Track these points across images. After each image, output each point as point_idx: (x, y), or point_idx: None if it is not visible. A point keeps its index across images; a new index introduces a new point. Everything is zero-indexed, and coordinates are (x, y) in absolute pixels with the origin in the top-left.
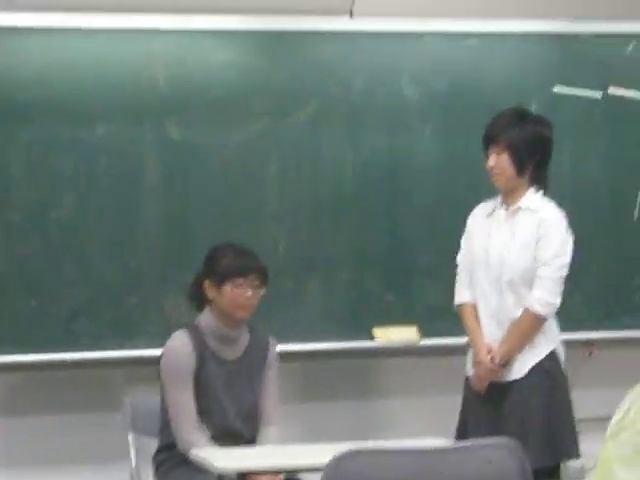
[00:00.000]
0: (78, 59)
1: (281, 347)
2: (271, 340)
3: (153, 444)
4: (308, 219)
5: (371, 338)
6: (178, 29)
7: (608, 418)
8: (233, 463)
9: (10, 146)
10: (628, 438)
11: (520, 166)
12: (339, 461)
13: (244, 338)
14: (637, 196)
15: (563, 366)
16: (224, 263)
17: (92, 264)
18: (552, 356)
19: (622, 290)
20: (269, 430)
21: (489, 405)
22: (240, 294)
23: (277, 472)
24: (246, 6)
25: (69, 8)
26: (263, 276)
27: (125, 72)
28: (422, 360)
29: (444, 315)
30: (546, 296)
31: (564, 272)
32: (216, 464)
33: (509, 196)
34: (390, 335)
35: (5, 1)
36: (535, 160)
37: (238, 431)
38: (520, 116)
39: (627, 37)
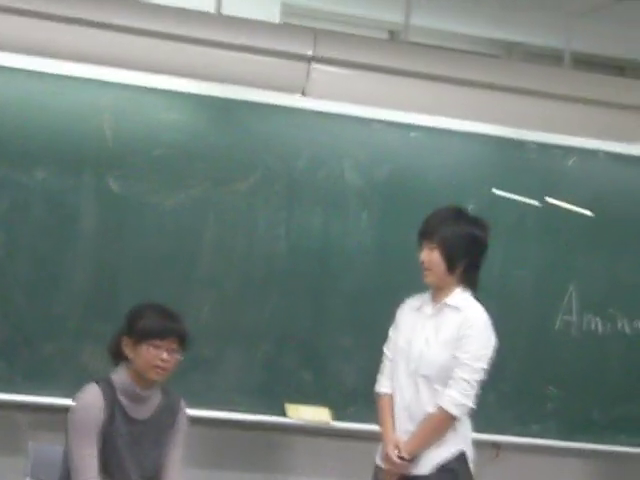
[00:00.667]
0: (24, 100)
1: (194, 412)
2: (182, 403)
3: None
4: (236, 289)
5: (283, 414)
6: (130, 84)
7: None
8: None
9: None
10: None
11: (451, 264)
12: None
13: (156, 398)
14: (560, 306)
15: (472, 468)
16: (144, 323)
17: (14, 305)
18: (460, 457)
19: (535, 397)
20: None
21: None
22: (156, 355)
23: None
24: (202, 72)
25: (20, 49)
26: (182, 341)
27: (72, 119)
28: (331, 441)
29: (357, 399)
30: (459, 397)
31: (481, 375)
32: None
33: (438, 292)
34: (301, 413)
35: None
36: (467, 260)
37: None
38: (457, 215)
39: (569, 150)
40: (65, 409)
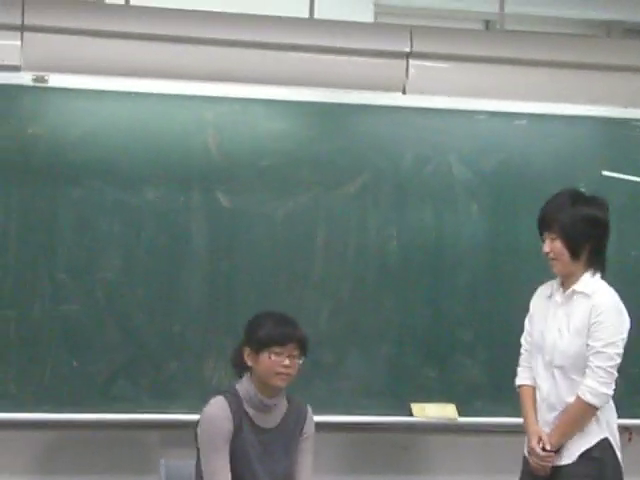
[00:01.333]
0: (129, 122)
1: (319, 418)
2: (308, 409)
3: None
4: (351, 291)
5: (409, 413)
6: (231, 97)
7: None
8: None
9: (59, 206)
10: None
11: (574, 251)
12: None
13: (282, 407)
14: None
15: (619, 454)
16: (263, 332)
17: (135, 326)
18: (604, 444)
19: None
20: None
21: None
22: (277, 362)
23: None
24: (301, 78)
25: (123, 72)
26: (302, 346)
27: (176, 137)
28: (459, 437)
29: (482, 394)
30: (597, 386)
31: (617, 360)
32: None
33: (567, 279)
34: (427, 411)
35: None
36: (591, 244)
37: None
38: (573, 199)
39: None
40: (193, 424)
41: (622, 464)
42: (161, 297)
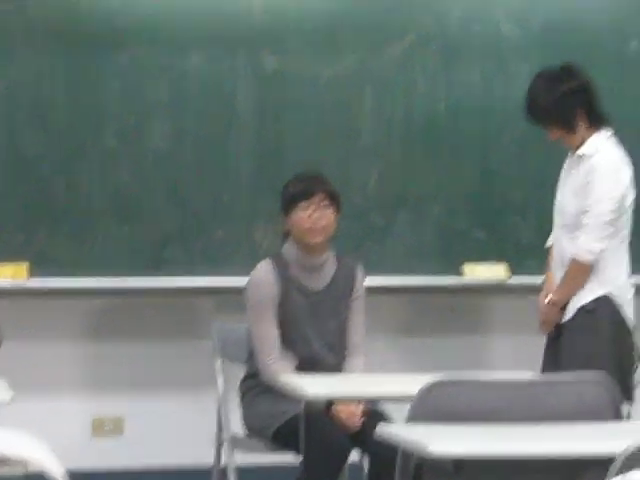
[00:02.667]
0: None
1: (369, 281)
2: (359, 269)
3: (240, 371)
4: (400, 155)
5: (460, 274)
6: None
7: None
8: (324, 390)
9: (105, 72)
10: None
11: (569, 128)
12: (429, 390)
13: (330, 267)
14: None
15: (623, 309)
16: (288, 191)
17: (184, 193)
18: (602, 299)
19: None
20: (355, 360)
21: (551, 345)
22: (306, 217)
23: (366, 399)
24: None
25: None
26: (330, 196)
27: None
28: (511, 298)
29: (534, 253)
30: (587, 242)
31: (607, 217)
32: (307, 390)
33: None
34: (479, 272)
35: None
36: (580, 112)
37: (323, 361)
38: (543, 83)
39: None
40: (244, 289)
41: (630, 321)
42: (210, 163)
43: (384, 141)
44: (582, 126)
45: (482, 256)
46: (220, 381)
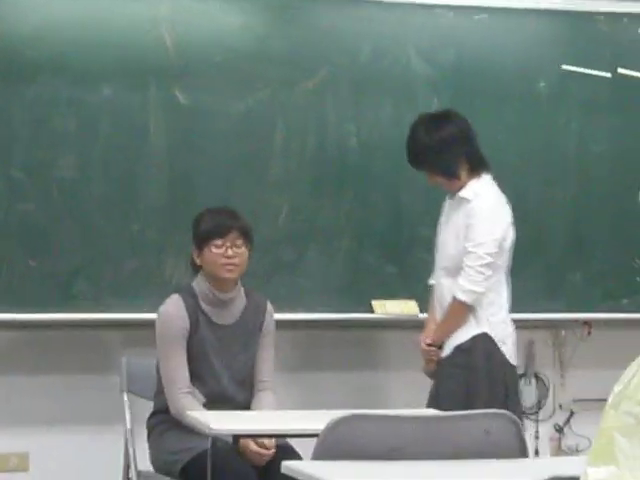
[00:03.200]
0: (84, 17)
1: (279, 316)
2: (268, 304)
3: (148, 407)
4: (310, 188)
5: (369, 310)
6: None
7: (603, 400)
8: (229, 425)
9: (14, 104)
10: (629, 408)
11: (450, 175)
12: (336, 425)
13: (240, 302)
14: None
15: (508, 348)
16: (201, 227)
17: (93, 225)
18: (479, 337)
19: (623, 272)
20: (264, 396)
21: (434, 383)
22: (220, 254)
23: (271, 436)
24: None
25: None
26: (243, 234)
27: (132, 33)
28: (420, 334)
29: None
30: (467, 284)
31: (486, 260)
32: (212, 426)
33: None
34: (388, 308)
35: None
36: (461, 157)
37: (231, 396)
38: (423, 128)
39: (638, 18)
40: (153, 323)
41: (512, 359)
42: (119, 195)
43: (295, 175)
44: (463, 171)
45: (391, 291)
46: (127, 416)
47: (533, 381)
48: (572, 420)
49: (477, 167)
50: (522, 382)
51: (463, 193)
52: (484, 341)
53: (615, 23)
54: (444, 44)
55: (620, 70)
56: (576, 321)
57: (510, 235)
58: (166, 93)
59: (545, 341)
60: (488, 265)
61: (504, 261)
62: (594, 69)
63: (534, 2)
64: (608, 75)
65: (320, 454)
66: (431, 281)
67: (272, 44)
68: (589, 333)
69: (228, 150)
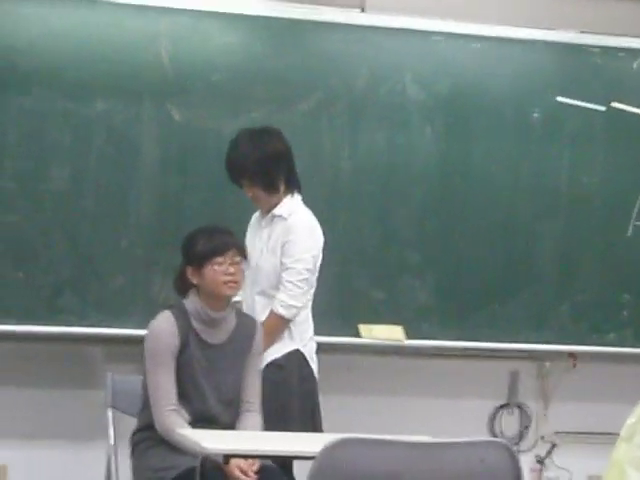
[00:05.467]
0: (80, 30)
1: None
2: (258, 325)
3: (132, 423)
4: None
5: (356, 334)
6: (187, 8)
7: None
8: (221, 445)
9: (6, 114)
10: None
11: (272, 189)
12: (332, 449)
13: (230, 322)
14: (632, 212)
15: (314, 366)
16: (200, 246)
17: (82, 239)
18: (293, 354)
19: (610, 306)
20: (250, 417)
21: None
22: (221, 272)
23: (266, 458)
24: None
25: None
26: (241, 251)
27: (128, 48)
28: (406, 360)
29: (430, 316)
30: (287, 299)
31: (305, 275)
32: (204, 444)
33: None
34: (375, 333)
35: None
36: (282, 174)
37: (216, 416)
38: (245, 146)
39: (634, 52)
40: (139, 340)
41: (317, 374)
42: (109, 210)
43: None
44: (281, 188)
45: (379, 317)
46: (111, 432)
47: (516, 411)
48: (554, 452)
49: (292, 185)
50: (505, 412)
51: (278, 211)
52: (297, 358)
53: (610, 57)
54: (440, 71)
55: (614, 104)
56: (561, 353)
57: (321, 256)
58: (160, 109)
59: (529, 372)
60: (306, 280)
61: (314, 281)
62: (588, 102)
63: (530, 33)
64: (602, 108)
65: (316, 477)
66: (238, 297)
67: (269, 65)
68: (574, 365)
69: (220, 169)
